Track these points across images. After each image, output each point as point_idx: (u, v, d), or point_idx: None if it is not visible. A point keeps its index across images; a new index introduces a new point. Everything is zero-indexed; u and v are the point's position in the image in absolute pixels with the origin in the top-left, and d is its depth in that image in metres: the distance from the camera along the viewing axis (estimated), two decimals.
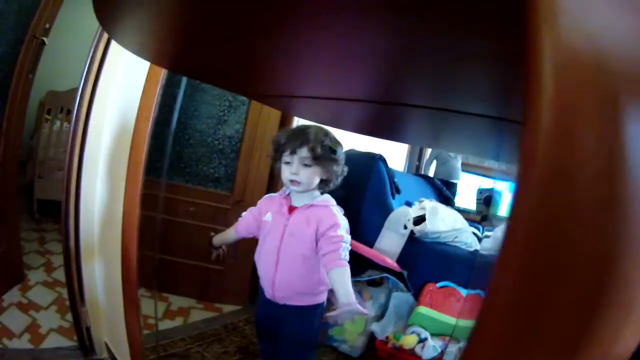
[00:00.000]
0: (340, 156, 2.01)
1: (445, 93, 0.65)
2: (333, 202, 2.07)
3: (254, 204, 3.32)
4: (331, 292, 2.04)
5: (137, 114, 2.05)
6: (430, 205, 3.44)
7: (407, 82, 0.63)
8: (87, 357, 2.60)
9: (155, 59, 0.95)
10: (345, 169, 2.08)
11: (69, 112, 4.43)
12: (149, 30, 0.66)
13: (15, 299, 3.00)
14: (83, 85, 2.29)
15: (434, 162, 6.25)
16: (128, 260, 1.96)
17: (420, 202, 3.53)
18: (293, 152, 1.92)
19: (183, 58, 0.79)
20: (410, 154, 6.24)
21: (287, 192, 2.09)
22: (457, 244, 3.43)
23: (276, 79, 0.76)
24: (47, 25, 2.95)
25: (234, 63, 0.71)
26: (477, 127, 0.80)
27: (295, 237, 1.98)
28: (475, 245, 3.49)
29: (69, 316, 2.75)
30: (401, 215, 3.24)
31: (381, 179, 3.30)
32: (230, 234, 2.28)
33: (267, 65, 0.69)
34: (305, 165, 1.92)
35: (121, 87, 2.37)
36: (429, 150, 6.40)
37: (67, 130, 4.34)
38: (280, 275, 2.01)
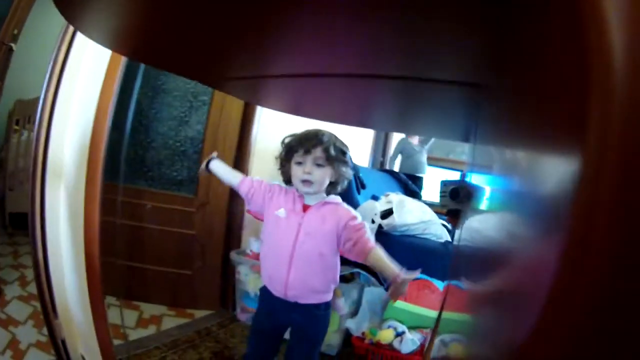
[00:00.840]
0: (349, 159, 2.04)
1: (418, 57, 0.62)
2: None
3: (219, 206, 3.33)
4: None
5: (95, 116, 2.01)
6: (397, 199, 3.42)
7: (383, 48, 0.61)
8: None
9: (115, 45, 0.91)
10: (351, 174, 2.08)
11: None
12: (108, 13, 0.62)
13: None
14: (45, 92, 2.24)
15: (399, 157, 6.27)
16: (92, 268, 1.92)
17: (387, 195, 3.52)
18: (307, 152, 1.93)
19: (144, 41, 0.75)
20: (374, 150, 6.24)
21: (294, 190, 2.07)
22: (427, 236, 3.42)
23: (243, 57, 0.72)
24: (16, 31, 2.89)
25: (198, 40, 0.68)
26: (447, 101, 0.78)
27: (312, 236, 1.98)
28: (445, 236, 3.49)
29: (46, 330, 2.73)
30: (368, 210, 3.22)
31: None
32: (231, 177, 2.20)
33: (233, 42, 0.66)
34: (318, 165, 1.93)
35: (83, 91, 2.31)
36: (393, 146, 6.42)
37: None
38: (295, 274, 1.99)
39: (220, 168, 2.20)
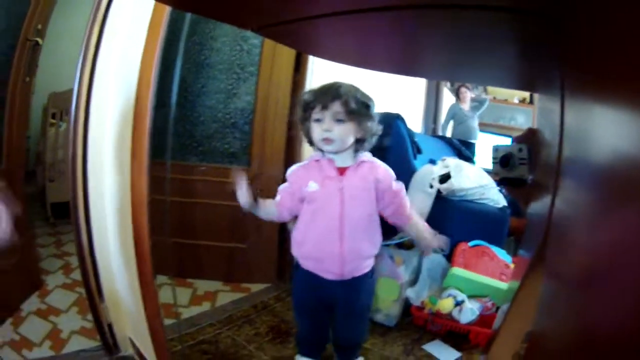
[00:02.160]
0: (374, 112, 1.90)
1: None
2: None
3: (275, 176, 3.27)
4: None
5: (136, 93, 1.97)
6: (454, 163, 3.35)
7: None
8: (112, 355, 2.56)
9: None
10: (380, 127, 1.95)
11: None
12: None
13: (34, 306, 2.99)
14: (79, 79, 2.23)
15: (451, 123, 6.18)
16: (141, 248, 1.89)
17: (443, 160, 3.44)
18: (324, 108, 1.82)
19: None
20: (426, 116, 6.17)
21: (318, 158, 1.97)
22: (485, 201, 3.34)
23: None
24: (40, 27, 2.91)
25: None
26: (504, 36, 0.72)
27: (358, 198, 1.90)
28: (502, 201, 3.40)
29: (91, 316, 2.74)
30: (426, 174, 3.16)
31: (401, 138, 3.22)
32: (272, 214, 2.13)
33: None
34: (339, 120, 1.82)
35: (121, 70, 2.28)
36: (444, 112, 6.33)
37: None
38: (349, 245, 1.92)
39: (261, 203, 2.11)
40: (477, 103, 6.22)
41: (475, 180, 3.31)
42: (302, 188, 1.94)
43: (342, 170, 1.91)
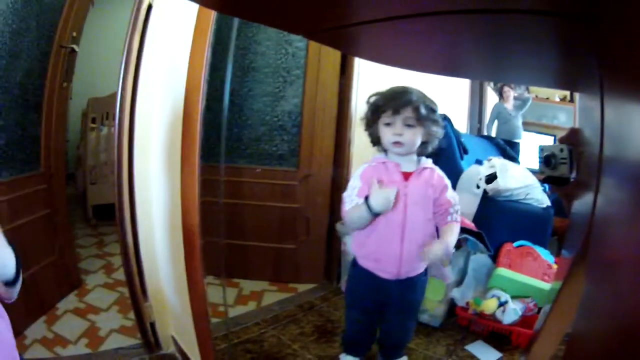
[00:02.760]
0: (439, 118, 1.97)
1: None
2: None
3: (323, 177, 3.30)
4: None
5: (186, 95, 2.00)
6: (499, 163, 3.35)
7: None
8: (153, 353, 2.59)
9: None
10: (442, 133, 2.02)
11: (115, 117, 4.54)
12: None
13: (72, 305, 3.04)
14: (122, 83, 2.28)
15: (495, 122, 6.14)
16: (191, 248, 1.92)
17: (489, 160, 3.44)
18: (396, 113, 1.88)
19: None
20: (470, 116, 6.13)
21: (384, 160, 2.02)
22: (529, 201, 3.33)
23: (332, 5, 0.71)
24: (75, 34, 2.98)
25: None
26: (546, 38, 0.74)
27: (419, 204, 1.96)
28: (546, 201, 3.39)
29: (132, 314, 2.75)
30: (473, 175, 3.16)
31: (449, 139, 3.22)
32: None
33: None
34: (409, 125, 1.88)
35: (164, 77, 2.35)
36: (488, 112, 6.29)
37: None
38: (409, 247, 1.98)
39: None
40: (520, 102, 6.17)
41: (521, 180, 3.31)
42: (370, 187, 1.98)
43: (406, 175, 1.98)
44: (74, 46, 2.94)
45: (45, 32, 2.83)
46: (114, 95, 4.03)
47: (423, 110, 1.87)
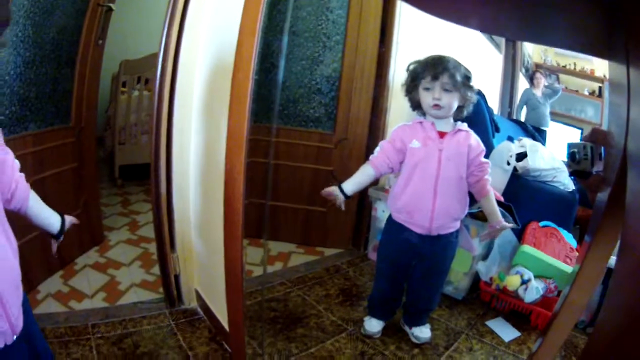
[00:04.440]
0: (473, 83, 2.10)
1: None
2: None
3: (358, 141, 3.35)
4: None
5: (239, 40, 1.88)
6: (530, 143, 3.37)
7: None
8: (174, 307, 2.62)
9: None
10: (476, 98, 2.16)
11: (147, 81, 4.55)
12: None
13: (92, 260, 3.08)
14: (168, 30, 2.27)
15: (524, 108, 6.13)
16: (233, 208, 1.89)
17: (520, 140, 3.46)
18: (435, 79, 2.02)
19: None
20: (502, 100, 6.12)
21: (421, 120, 2.17)
22: (556, 184, 3.35)
23: None
24: None
25: None
26: None
27: (453, 161, 2.09)
28: (572, 186, 3.41)
29: (154, 270, 2.84)
30: (504, 151, 3.18)
31: (482, 114, 3.23)
32: (367, 175, 2.23)
33: None
34: (446, 90, 2.02)
35: (211, 27, 2.34)
36: (519, 96, 6.27)
37: (147, 97, 4.50)
38: (440, 202, 2.12)
39: (353, 182, 2.22)
40: (551, 91, 6.15)
41: (549, 162, 3.32)
42: (407, 144, 2.13)
43: (441, 134, 2.12)
44: (111, 5, 2.95)
45: None
46: (148, 57, 4.07)
47: (459, 77, 2.01)
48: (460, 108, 2.11)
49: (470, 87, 2.09)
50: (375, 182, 2.70)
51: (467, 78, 2.06)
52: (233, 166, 1.83)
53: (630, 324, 0.44)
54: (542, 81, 6.07)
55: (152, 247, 2.93)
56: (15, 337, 1.27)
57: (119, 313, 2.51)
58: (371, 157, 2.23)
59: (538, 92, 6.05)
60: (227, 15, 2.06)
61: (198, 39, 2.36)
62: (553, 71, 6.29)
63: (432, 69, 2.04)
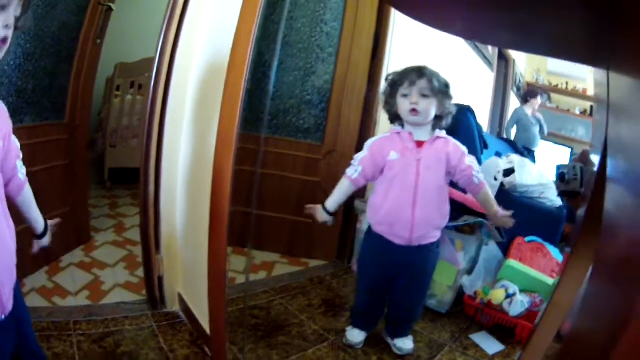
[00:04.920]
0: (452, 93, 2.13)
1: None
2: None
3: (347, 154, 3.37)
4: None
5: (233, 47, 1.88)
6: (518, 159, 3.39)
7: None
8: (156, 309, 2.62)
9: None
10: (454, 109, 2.18)
11: (140, 87, 4.57)
12: None
13: (77, 259, 3.08)
14: (163, 43, 2.30)
15: (515, 128, 6.15)
16: (218, 211, 1.91)
17: (508, 156, 3.49)
18: (412, 84, 2.05)
19: None
20: (492, 119, 6.14)
21: (399, 131, 2.18)
22: (543, 200, 3.37)
23: None
24: None
25: None
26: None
27: (432, 170, 2.11)
28: (559, 202, 3.44)
29: (139, 272, 2.83)
30: (492, 166, 3.20)
31: (470, 130, 3.26)
32: (345, 190, 2.27)
33: None
34: (424, 95, 2.04)
35: (208, 31, 2.37)
36: (509, 115, 6.29)
37: (140, 101, 4.49)
38: (420, 213, 2.13)
39: (334, 199, 2.29)
40: (540, 120, 6.17)
41: (537, 178, 3.34)
42: (384, 157, 2.14)
43: (419, 144, 2.12)
44: (111, 4, 2.97)
45: None
46: (144, 61, 4.07)
47: (436, 83, 2.04)
48: (438, 118, 2.13)
49: (449, 96, 2.11)
50: (362, 195, 2.72)
51: (445, 86, 2.09)
52: (221, 166, 1.85)
53: (602, 332, 0.45)
54: (537, 103, 6.09)
55: (138, 250, 2.93)
56: (3, 317, 1.29)
57: (102, 312, 2.52)
58: (348, 172, 2.24)
59: (529, 112, 6.06)
60: (224, 22, 2.09)
61: (194, 43, 2.39)
62: (545, 90, 6.33)
63: (410, 75, 2.08)
